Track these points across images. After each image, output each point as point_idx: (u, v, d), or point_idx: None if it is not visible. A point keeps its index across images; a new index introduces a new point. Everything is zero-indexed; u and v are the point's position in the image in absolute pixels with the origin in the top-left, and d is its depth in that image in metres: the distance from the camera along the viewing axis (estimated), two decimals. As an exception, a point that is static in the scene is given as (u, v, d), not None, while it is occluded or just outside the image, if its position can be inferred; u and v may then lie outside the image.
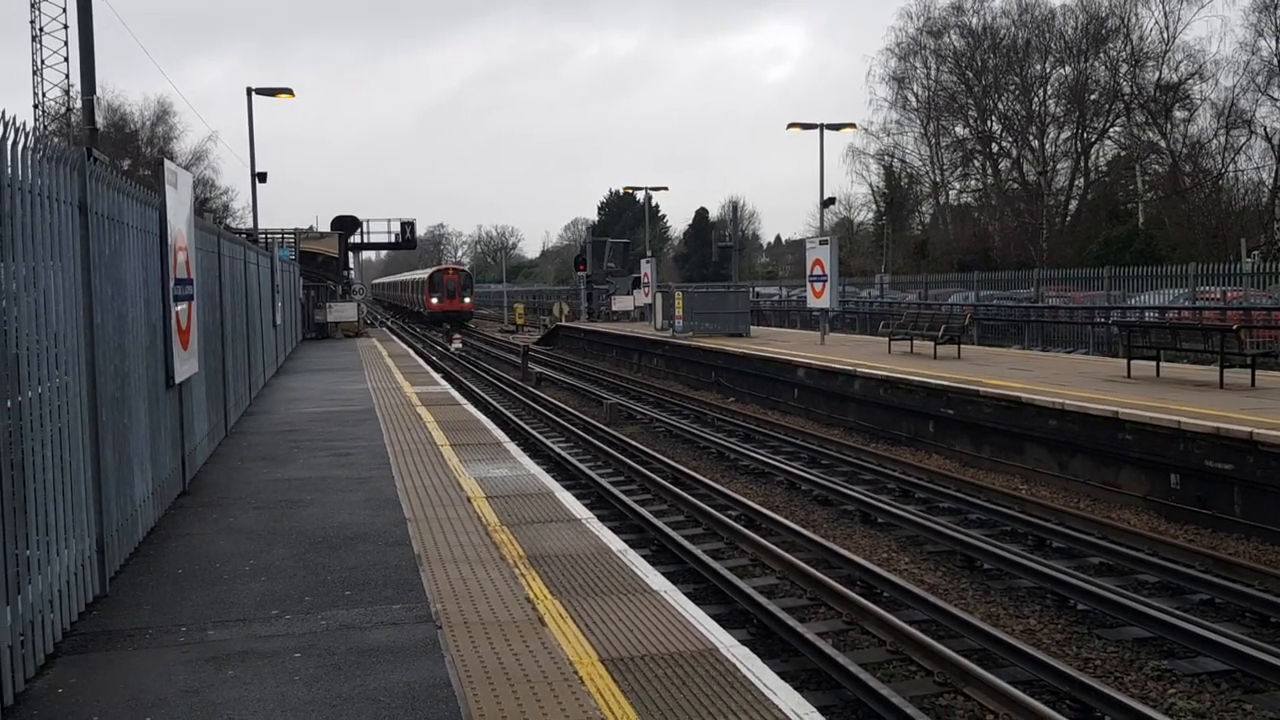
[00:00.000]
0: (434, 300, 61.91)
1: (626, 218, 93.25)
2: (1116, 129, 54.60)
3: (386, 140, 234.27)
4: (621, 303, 46.09)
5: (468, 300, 63.57)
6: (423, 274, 68.42)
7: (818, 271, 26.70)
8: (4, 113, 4.94)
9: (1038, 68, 56.14)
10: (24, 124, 5.21)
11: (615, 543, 7.82)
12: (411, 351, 32.42)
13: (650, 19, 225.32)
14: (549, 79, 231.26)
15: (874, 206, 66.95)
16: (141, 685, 5.08)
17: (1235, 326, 17.33)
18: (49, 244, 5.63)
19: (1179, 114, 50.23)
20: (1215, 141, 47.96)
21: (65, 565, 5.75)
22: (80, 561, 6.06)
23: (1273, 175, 44.81)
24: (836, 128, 30.44)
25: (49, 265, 5.61)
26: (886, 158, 63.68)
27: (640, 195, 55.98)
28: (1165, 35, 50.49)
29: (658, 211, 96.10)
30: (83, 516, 6.14)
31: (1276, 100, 44.74)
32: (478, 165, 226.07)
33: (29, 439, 5.18)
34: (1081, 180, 55.78)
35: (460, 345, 41.66)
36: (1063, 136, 56.08)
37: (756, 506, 12.70)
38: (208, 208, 61.28)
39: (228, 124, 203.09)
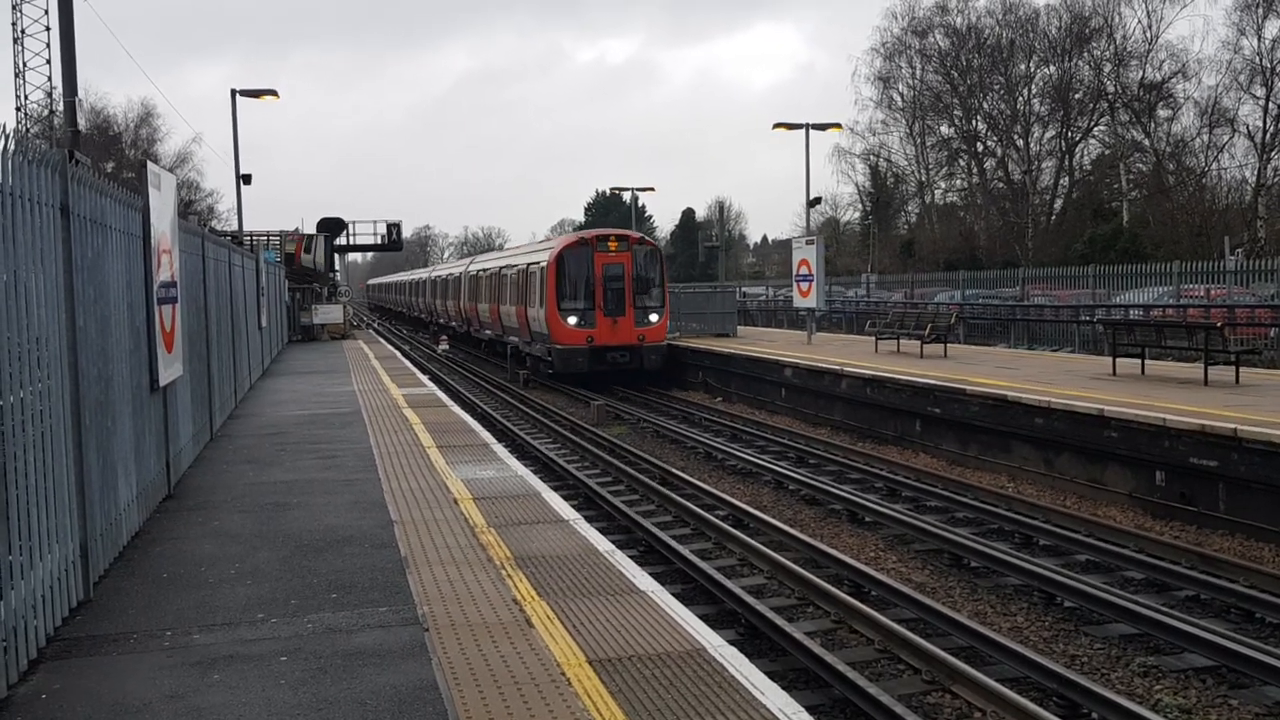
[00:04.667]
0: (571, 320, 26.89)
1: (613, 218, 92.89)
2: (1101, 128, 54.94)
3: (375, 145, 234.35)
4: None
5: (655, 319, 27.48)
6: (539, 255, 29.44)
7: (804, 271, 26.74)
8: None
9: (1022, 67, 56.40)
10: (4, 125, 5.17)
11: (603, 543, 7.81)
12: (398, 353, 32.33)
13: (646, 23, 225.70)
14: (539, 83, 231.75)
15: (860, 206, 67.16)
16: (126, 690, 5.04)
17: (1219, 324, 17.42)
18: (30, 247, 5.59)
19: (1162, 113, 50.57)
20: (1198, 140, 48.31)
21: (48, 570, 5.71)
22: (64, 566, 6.02)
23: (1255, 173, 45.10)
24: (822, 128, 30.49)
25: (30, 268, 5.57)
26: (872, 157, 63.86)
27: (627, 195, 55.52)
28: (1148, 34, 50.83)
29: (644, 212, 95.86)
30: (66, 521, 6.10)
31: (1259, 99, 45.03)
32: (466, 168, 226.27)
33: (11, 444, 5.14)
34: (1066, 179, 56.02)
35: (447, 347, 41.53)
36: (1047, 135, 56.35)
37: (744, 506, 12.71)
38: (192, 210, 60.87)
39: (218, 129, 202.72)
